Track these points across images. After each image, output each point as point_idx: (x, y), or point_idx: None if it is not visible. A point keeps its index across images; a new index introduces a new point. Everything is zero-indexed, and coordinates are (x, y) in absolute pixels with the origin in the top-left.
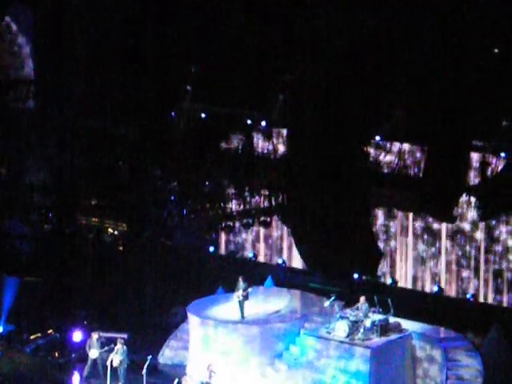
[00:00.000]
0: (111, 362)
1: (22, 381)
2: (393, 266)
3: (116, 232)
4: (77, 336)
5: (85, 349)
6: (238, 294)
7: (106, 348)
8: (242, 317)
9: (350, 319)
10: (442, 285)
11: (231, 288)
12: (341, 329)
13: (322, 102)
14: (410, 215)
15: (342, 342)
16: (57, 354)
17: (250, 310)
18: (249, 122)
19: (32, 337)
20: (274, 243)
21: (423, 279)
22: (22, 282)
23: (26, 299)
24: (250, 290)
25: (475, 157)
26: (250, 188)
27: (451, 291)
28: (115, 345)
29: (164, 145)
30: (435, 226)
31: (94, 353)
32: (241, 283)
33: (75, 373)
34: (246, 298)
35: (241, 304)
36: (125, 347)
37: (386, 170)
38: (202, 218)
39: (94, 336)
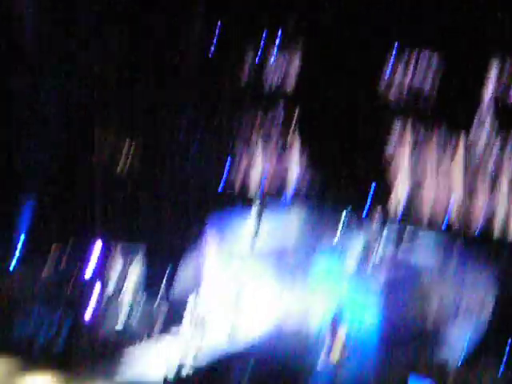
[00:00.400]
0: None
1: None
2: None
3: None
4: (96, 247)
5: (104, 261)
6: (253, 211)
7: (124, 261)
8: (256, 240)
9: (364, 233)
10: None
11: (246, 205)
12: (355, 243)
13: None
14: None
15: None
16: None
17: (264, 232)
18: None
19: (51, 248)
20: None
21: None
22: (37, 197)
23: (43, 214)
24: (264, 205)
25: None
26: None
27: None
28: (131, 258)
29: None
30: None
31: (113, 265)
32: (256, 200)
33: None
34: (261, 214)
35: (256, 223)
36: (143, 262)
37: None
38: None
39: (115, 248)
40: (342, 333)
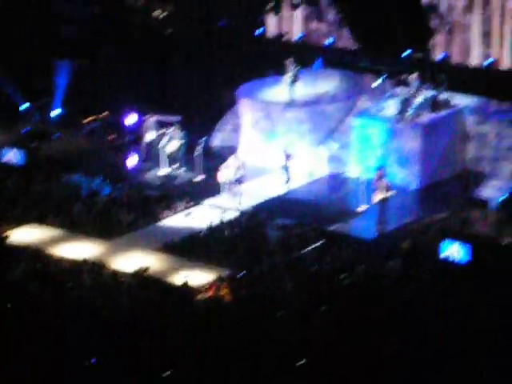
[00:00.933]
0: (167, 146)
1: (80, 162)
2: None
3: (163, 15)
4: (131, 118)
5: (139, 131)
6: (288, 76)
7: (162, 131)
8: (293, 98)
9: (400, 97)
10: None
11: (280, 71)
12: (391, 107)
13: None
14: None
15: (393, 119)
16: (112, 136)
17: (299, 92)
18: None
19: (87, 119)
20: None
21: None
22: (73, 65)
23: (79, 83)
24: (298, 71)
25: None
26: None
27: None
28: (168, 128)
29: None
30: None
31: (150, 135)
32: (290, 65)
33: (131, 154)
34: (295, 79)
35: (291, 86)
36: (181, 132)
37: None
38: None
39: (151, 119)
40: (385, 178)
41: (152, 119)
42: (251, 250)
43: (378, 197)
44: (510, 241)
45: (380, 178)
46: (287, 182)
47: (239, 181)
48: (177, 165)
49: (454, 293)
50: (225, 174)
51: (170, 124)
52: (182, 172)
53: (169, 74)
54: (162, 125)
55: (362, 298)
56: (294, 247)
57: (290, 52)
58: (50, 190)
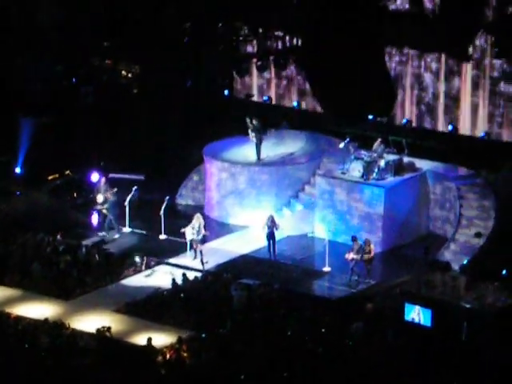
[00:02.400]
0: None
1: (41, 220)
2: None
3: (130, 74)
4: (94, 177)
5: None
6: (253, 135)
7: (114, 190)
8: (258, 158)
9: (364, 160)
10: (457, 124)
11: (246, 132)
12: (355, 169)
13: None
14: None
15: (356, 182)
16: (75, 195)
17: (265, 153)
18: None
19: (50, 177)
20: (289, 86)
21: (437, 118)
22: (37, 123)
23: (42, 140)
24: (261, 131)
25: None
26: (264, 29)
27: (465, 130)
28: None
29: None
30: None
31: (99, 198)
32: (255, 124)
33: (92, 213)
34: (261, 140)
35: (257, 146)
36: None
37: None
38: (216, 61)
39: (103, 180)
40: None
41: (103, 180)
42: (214, 311)
43: (350, 256)
44: (471, 305)
45: (355, 239)
46: None
47: (202, 240)
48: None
49: (416, 355)
50: (188, 233)
51: (133, 182)
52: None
53: (135, 133)
54: (121, 184)
55: (324, 358)
56: (257, 307)
57: (257, 113)
58: (9, 248)
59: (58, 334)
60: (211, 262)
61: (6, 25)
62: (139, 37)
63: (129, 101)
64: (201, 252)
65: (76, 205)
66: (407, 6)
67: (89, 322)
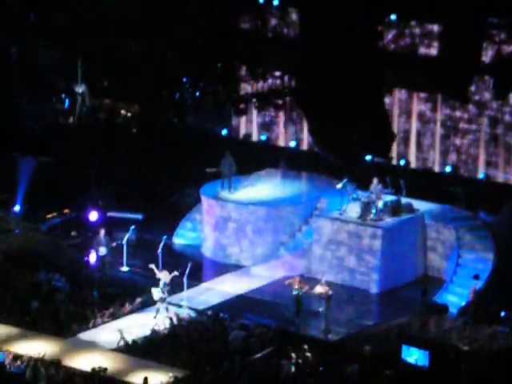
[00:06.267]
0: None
1: (40, 259)
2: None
3: (129, 114)
4: (92, 216)
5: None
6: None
7: (113, 244)
8: (255, 200)
9: (362, 200)
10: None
11: (245, 170)
12: (353, 210)
13: None
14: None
15: (354, 222)
16: (73, 233)
17: (263, 192)
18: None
19: (48, 216)
20: (287, 126)
21: (434, 160)
22: (36, 162)
23: (41, 179)
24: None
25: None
26: (262, 70)
27: (463, 171)
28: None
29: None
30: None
31: (102, 250)
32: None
33: (92, 251)
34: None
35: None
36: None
37: (399, 51)
38: (214, 100)
39: (101, 232)
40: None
41: (102, 232)
42: (211, 350)
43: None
44: (469, 347)
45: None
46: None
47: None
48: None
49: None
50: (156, 293)
51: (131, 221)
52: None
53: (132, 172)
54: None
55: None
56: (253, 347)
57: (256, 153)
58: (7, 286)
59: (56, 372)
60: (208, 302)
61: (7, 63)
62: (136, 76)
63: (127, 140)
64: (167, 309)
65: (75, 243)
66: (406, 48)
67: (86, 361)
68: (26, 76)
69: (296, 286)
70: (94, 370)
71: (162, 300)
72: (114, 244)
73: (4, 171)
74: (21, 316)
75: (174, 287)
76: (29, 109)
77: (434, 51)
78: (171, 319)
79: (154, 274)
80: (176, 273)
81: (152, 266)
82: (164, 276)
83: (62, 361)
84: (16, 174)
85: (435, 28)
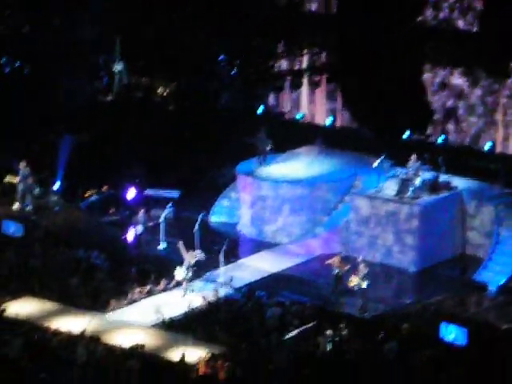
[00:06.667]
0: None
1: (79, 236)
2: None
3: (166, 92)
4: (131, 193)
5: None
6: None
7: (150, 224)
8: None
9: (399, 178)
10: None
11: (281, 148)
12: (390, 187)
13: None
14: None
15: (391, 200)
16: (111, 211)
17: (300, 170)
18: None
19: (87, 193)
20: (322, 103)
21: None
22: (74, 139)
23: (80, 157)
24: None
25: None
26: (299, 46)
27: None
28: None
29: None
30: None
31: (139, 228)
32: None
33: (130, 229)
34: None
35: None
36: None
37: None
38: (250, 78)
39: (141, 212)
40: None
41: (141, 213)
42: (247, 327)
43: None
44: (508, 325)
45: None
46: None
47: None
48: None
49: (451, 376)
50: (180, 273)
51: (169, 199)
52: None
53: (170, 150)
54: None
55: (358, 378)
56: (290, 325)
57: (292, 131)
58: (47, 263)
59: (95, 348)
60: (244, 280)
61: (49, 39)
62: (174, 56)
63: (164, 118)
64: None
65: (113, 220)
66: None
67: (125, 337)
68: (66, 52)
69: (337, 265)
70: (131, 347)
71: (188, 280)
72: (152, 223)
73: (43, 149)
74: (60, 292)
75: (210, 264)
76: (67, 85)
77: (473, 27)
78: (204, 297)
79: (181, 254)
80: (202, 255)
81: (180, 244)
82: (190, 256)
83: (101, 337)
84: (55, 152)
85: (475, 3)
